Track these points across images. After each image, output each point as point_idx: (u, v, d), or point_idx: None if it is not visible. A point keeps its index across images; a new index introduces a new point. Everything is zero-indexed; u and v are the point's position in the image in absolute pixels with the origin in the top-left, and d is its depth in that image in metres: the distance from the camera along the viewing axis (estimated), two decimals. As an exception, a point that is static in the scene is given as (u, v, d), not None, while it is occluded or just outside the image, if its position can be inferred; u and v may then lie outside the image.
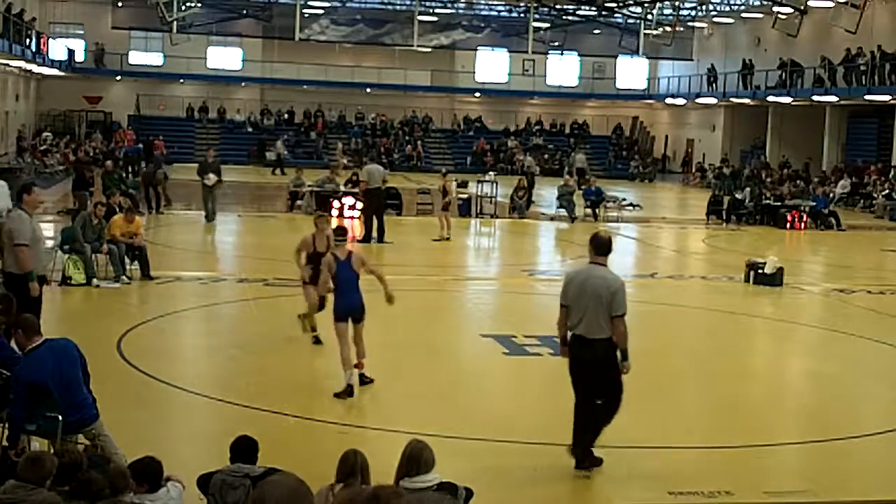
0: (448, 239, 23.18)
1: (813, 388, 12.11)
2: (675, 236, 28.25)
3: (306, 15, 50.97)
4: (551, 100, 58.28)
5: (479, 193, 29.66)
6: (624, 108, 59.40)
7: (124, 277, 15.80)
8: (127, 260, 16.09)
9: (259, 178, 43.23)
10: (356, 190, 25.52)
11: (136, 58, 54.11)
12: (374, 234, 22.32)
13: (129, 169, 35.13)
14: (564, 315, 8.36)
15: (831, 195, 35.53)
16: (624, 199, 32.01)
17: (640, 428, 9.55)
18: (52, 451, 6.80)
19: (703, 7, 49.93)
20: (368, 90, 54.91)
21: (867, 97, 38.16)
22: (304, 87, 54.03)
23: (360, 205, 24.92)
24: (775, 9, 44.71)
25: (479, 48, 56.27)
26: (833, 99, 40.52)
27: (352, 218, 26.14)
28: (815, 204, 30.15)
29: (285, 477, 5.60)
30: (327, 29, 53.19)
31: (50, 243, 18.95)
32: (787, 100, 43.64)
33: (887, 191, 35.40)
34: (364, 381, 10.51)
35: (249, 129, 54.10)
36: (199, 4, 51.15)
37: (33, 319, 7.48)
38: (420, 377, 10.97)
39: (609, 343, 8.17)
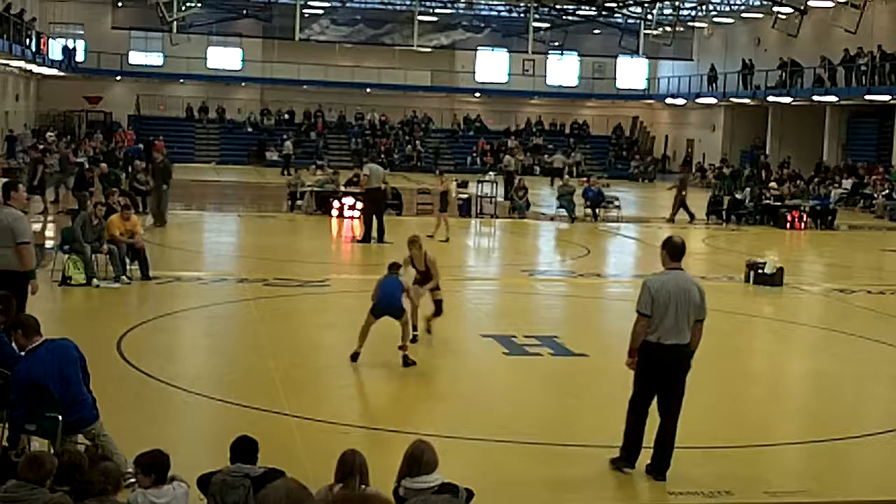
0: (447, 240, 23.14)
1: (813, 388, 12.11)
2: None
3: (306, 15, 51.01)
4: (551, 100, 58.31)
5: (479, 193, 29.67)
6: (624, 108, 59.43)
7: (124, 277, 15.78)
8: (127, 260, 16.08)
9: (259, 178, 43.25)
10: (356, 190, 25.47)
11: (136, 58, 54.14)
12: (374, 233, 22.31)
13: (129, 169, 35.08)
14: (646, 325, 8.01)
15: (832, 194, 35.56)
16: (613, 201, 31.34)
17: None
18: (52, 451, 6.79)
19: (703, 7, 49.94)
20: (368, 90, 54.93)
21: (867, 97, 38.17)
22: (304, 87, 54.04)
23: (360, 204, 24.90)
24: (775, 9, 44.73)
25: (479, 48, 56.31)
26: (833, 99, 40.53)
27: (352, 218, 26.14)
28: (817, 203, 30.17)
29: (286, 480, 5.61)
30: (327, 29, 53.22)
31: (50, 243, 19.01)
32: (787, 100, 43.64)
33: (887, 191, 35.40)
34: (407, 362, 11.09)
35: (249, 129, 54.14)
36: (199, 4, 51.18)
37: (33, 320, 7.47)
38: (420, 377, 10.97)
39: (688, 348, 8.17)
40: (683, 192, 30.50)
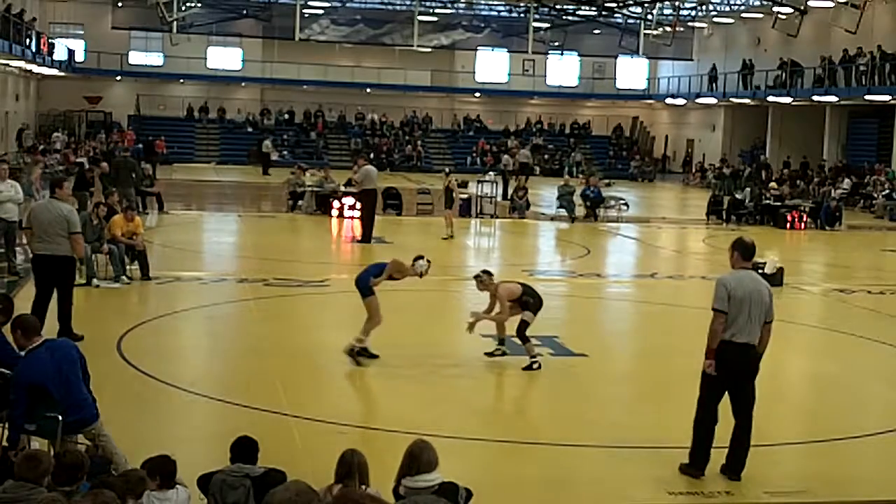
0: (451, 237, 23.24)
1: (813, 388, 12.12)
2: (675, 236, 28.25)
3: (306, 15, 50.99)
4: (551, 100, 58.30)
5: (479, 193, 29.67)
6: (624, 108, 59.42)
7: (124, 277, 15.79)
8: (127, 260, 16.09)
9: (259, 178, 43.26)
10: (354, 190, 25.43)
11: (136, 58, 54.13)
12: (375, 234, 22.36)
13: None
14: (724, 322, 8.02)
15: (832, 194, 35.56)
16: (620, 201, 31.44)
17: (640, 428, 9.55)
18: (52, 451, 6.79)
19: (703, 7, 49.95)
20: (368, 90, 54.93)
21: (867, 97, 38.16)
22: (304, 87, 54.04)
23: (359, 205, 24.88)
24: (775, 9, 44.73)
25: (479, 48, 56.32)
26: (833, 99, 40.52)
27: (352, 218, 26.11)
28: (816, 205, 30.21)
29: (295, 482, 5.62)
30: (327, 29, 53.21)
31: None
32: (787, 100, 43.64)
33: (887, 191, 35.39)
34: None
35: (249, 129, 54.09)
36: (199, 4, 51.18)
37: (33, 320, 7.46)
38: (420, 377, 10.97)
39: (757, 349, 8.20)
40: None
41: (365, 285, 11.26)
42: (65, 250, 11.34)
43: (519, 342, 11.59)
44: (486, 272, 11.99)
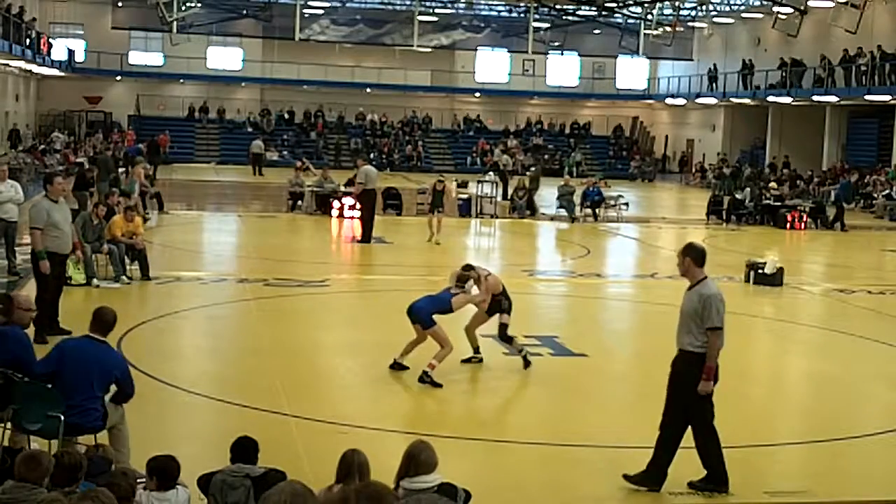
0: (434, 242, 22.94)
1: (813, 388, 12.11)
2: (675, 236, 28.24)
3: (306, 15, 51.00)
4: (551, 100, 58.30)
5: (479, 193, 29.66)
6: (624, 108, 59.41)
7: (124, 277, 15.79)
8: (127, 260, 16.09)
9: (258, 178, 43.27)
10: (355, 190, 25.40)
11: (136, 58, 54.14)
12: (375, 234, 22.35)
13: (129, 169, 35.05)
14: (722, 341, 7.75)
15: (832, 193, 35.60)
16: (620, 199, 31.49)
17: (640, 428, 9.54)
18: (51, 451, 6.79)
19: (703, 7, 49.94)
20: (368, 90, 54.92)
21: (867, 97, 38.17)
22: (304, 87, 54.04)
23: (359, 205, 24.85)
24: (775, 9, 44.72)
25: (479, 48, 56.32)
26: (833, 99, 40.53)
27: (352, 218, 26.11)
28: (815, 205, 30.29)
29: (290, 483, 5.61)
30: (327, 29, 53.21)
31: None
32: (787, 100, 43.65)
33: (887, 191, 35.39)
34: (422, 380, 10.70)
35: (249, 129, 54.07)
36: (199, 4, 51.17)
37: (110, 316, 7.67)
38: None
39: None
40: (532, 187, 30.46)
41: (427, 317, 10.87)
42: (32, 244, 11.90)
43: (504, 343, 11.63)
44: (469, 266, 11.89)
